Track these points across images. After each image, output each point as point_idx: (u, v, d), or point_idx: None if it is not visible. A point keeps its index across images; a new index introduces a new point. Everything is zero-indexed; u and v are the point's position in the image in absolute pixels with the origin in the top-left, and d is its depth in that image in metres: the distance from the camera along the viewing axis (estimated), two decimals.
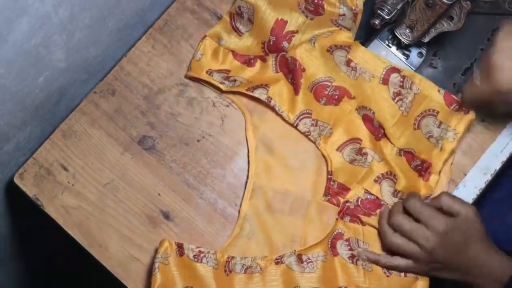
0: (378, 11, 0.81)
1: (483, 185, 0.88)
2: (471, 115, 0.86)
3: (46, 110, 0.90)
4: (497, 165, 0.89)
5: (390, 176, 0.86)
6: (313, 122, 0.88)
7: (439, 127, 0.86)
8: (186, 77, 0.92)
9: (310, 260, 0.83)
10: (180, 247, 0.82)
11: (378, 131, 0.88)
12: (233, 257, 0.83)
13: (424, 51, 0.92)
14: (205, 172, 0.89)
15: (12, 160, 0.92)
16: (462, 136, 0.86)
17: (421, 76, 0.87)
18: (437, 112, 0.86)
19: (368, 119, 0.88)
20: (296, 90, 0.88)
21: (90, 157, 0.90)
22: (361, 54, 0.88)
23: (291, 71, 0.88)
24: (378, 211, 0.84)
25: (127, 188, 0.89)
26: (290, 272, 0.83)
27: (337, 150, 0.87)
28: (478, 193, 0.87)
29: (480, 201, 0.90)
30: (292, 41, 0.89)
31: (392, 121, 0.87)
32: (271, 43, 0.89)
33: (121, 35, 0.93)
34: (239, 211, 0.87)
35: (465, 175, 0.88)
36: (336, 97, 0.88)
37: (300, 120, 0.88)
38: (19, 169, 0.90)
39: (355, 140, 0.88)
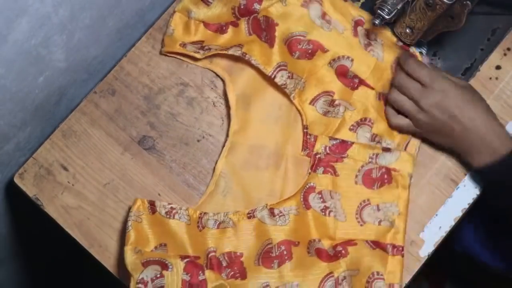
0: (378, 11, 0.81)
1: (483, 185, 0.88)
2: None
3: (46, 110, 0.90)
4: None
5: (365, 121, 0.87)
6: (289, 74, 0.89)
7: None
8: (161, 53, 0.92)
9: (282, 214, 0.84)
10: (152, 204, 0.83)
11: (352, 82, 0.89)
12: (205, 213, 0.84)
13: (424, 51, 0.92)
14: (205, 172, 0.89)
15: (12, 160, 0.92)
16: None
17: (381, 28, 0.89)
18: None
19: (341, 72, 0.89)
20: (271, 44, 0.89)
21: (90, 157, 0.90)
22: (333, 4, 0.90)
23: (264, 29, 0.89)
24: (349, 151, 0.85)
25: (127, 188, 0.89)
26: (262, 225, 0.84)
27: (310, 103, 0.89)
28: (478, 193, 0.87)
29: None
30: (263, 2, 0.90)
31: (369, 68, 0.89)
32: (242, 7, 0.90)
33: (121, 35, 0.93)
34: (213, 169, 0.88)
35: (465, 175, 0.88)
36: (309, 51, 0.89)
37: (277, 72, 0.88)
38: (19, 169, 0.90)
39: (327, 92, 0.89)
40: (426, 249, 0.86)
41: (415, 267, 0.86)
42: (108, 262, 0.86)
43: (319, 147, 0.86)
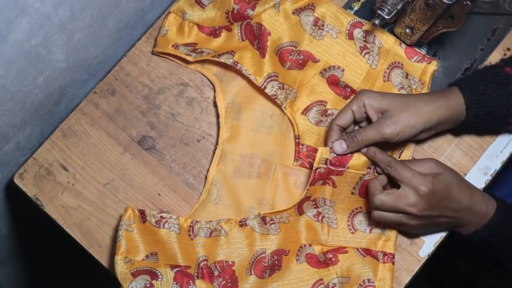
0: (378, 11, 0.81)
1: (483, 185, 0.88)
2: (434, 65, 0.88)
3: (46, 110, 0.90)
4: (497, 165, 0.89)
5: None
6: (280, 85, 0.89)
7: (406, 78, 0.89)
8: (153, 53, 0.92)
9: (273, 222, 0.84)
10: (142, 214, 0.82)
11: (344, 91, 0.89)
12: (197, 221, 0.84)
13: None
14: (205, 172, 0.89)
15: (12, 160, 0.92)
16: (429, 86, 0.88)
17: (382, 30, 0.89)
18: (402, 65, 0.89)
19: (333, 82, 0.89)
20: (262, 53, 0.89)
21: (90, 157, 0.90)
22: (326, 9, 0.89)
23: (256, 36, 0.89)
24: (349, 163, 0.82)
25: (127, 188, 0.89)
26: (253, 234, 0.84)
27: (302, 113, 0.89)
28: None
29: None
30: (256, 7, 0.90)
31: (361, 76, 0.89)
32: (236, 12, 0.90)
33: (121, 35, 0.93)
34: (205, 177, 0.88)
35: (465, 175, 0.88)
36: (300, 61, 0.90)
37: (267, 83, 0.88)
38: (19, 169, 0.90)
39: (320, 102, 0.89)
40: (426, 249, 0.86)
41: (415, 267, 0.86)
42: (108, 262, 0.86)
43: (319, 161, 0.81)
